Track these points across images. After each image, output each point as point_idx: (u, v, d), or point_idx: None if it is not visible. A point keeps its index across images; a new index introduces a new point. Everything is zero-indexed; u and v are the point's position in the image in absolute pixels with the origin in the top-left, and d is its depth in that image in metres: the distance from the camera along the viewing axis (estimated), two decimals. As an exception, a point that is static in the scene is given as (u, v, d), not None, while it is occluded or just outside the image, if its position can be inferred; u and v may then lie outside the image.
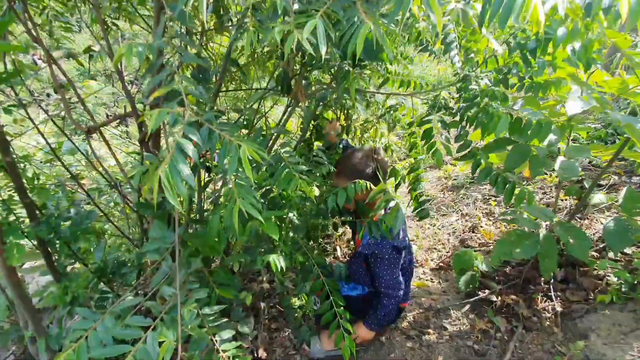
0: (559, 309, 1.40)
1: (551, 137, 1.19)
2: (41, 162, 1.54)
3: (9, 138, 0.97)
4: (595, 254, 1.57)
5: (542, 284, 1.53)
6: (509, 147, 1.29)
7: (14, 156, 1.01)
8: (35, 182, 1.08)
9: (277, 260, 1.03)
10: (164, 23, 0.87)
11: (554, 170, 1.31)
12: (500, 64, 1.22)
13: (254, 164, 1.08)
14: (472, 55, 1.19)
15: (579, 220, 1.89)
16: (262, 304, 1.76)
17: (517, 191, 1.19)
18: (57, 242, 1.14)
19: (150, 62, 0.77)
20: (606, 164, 1.37)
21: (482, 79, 1.23)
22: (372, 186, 1.19)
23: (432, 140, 1.31)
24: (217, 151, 0.73)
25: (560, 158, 1.25)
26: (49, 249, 1.16)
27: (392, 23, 0.67)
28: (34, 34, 0.84)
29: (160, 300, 0.93)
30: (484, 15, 0.71)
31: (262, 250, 1.20)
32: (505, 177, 1.24)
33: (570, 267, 1.55)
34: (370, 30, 0.59)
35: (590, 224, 1.84)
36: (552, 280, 1.51)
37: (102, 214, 1.42)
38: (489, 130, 1.02)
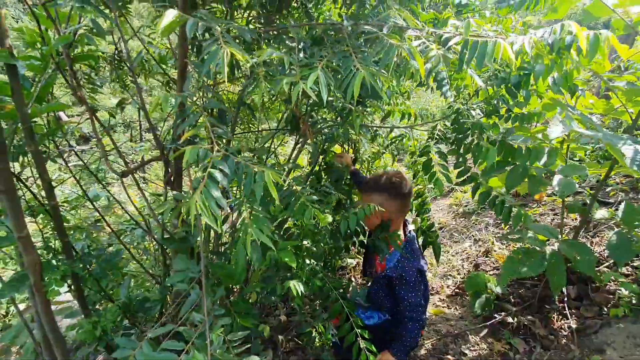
0: (574, 325, 1.39)
1: (545, 158, 1.27)
2: (71, 207, 1.67)
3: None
4: (606, 269, 1.58)
5: (557, 302, 1.53)
6: (508, 168, 1.37)
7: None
8: (72, 223, 1.19)
9: (297, 285, 1.10)
10: (189, 78, 1.02)
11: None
12: (490, 94, 1.34)
13: (268, 198, 1.18)
14: (463, 89, 1.31)
15: (589, 237, 1.90)
16: (280, 337, 1.77)
17: (514, 212, 1.26)
18: (89, 279, 1.23)
19: (179, 110, 0.90)
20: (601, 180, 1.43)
21: (474, 109, 1.34)
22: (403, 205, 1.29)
23: (432, 170, 1.40)
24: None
25: (558, 176, 1.32)
26: (81, 285, 1.25)
27: (385, 68, 0.79)
28: (79, 93, 0.99)
29: (190, 326, 0.99)
30: (462, 58, 0.83)
31: (280, 278, 1.26)
32: (503, 199, 1.32)
33: (583, 284, 1.56)
34: (364, 77, 0.70)
35: (600, 241, 1.86)
36: (565, 299, 1.52)
37: (127, 253, 1.52)
38: (481, 160, 1.12)
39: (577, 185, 1.25)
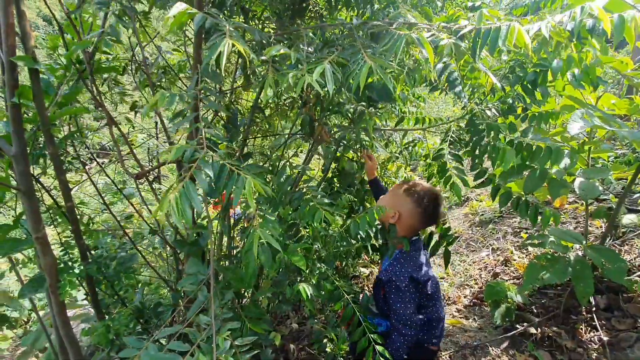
0: (605, 338, 1.30)
1: (567, 160, 1.22)
2: (91, 211, 1.70)
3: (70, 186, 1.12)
4: (638, 278, 1.49)
5: (585, 313, 1.45)
6: (526, 172, 1.32)
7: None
8: (89, 226, 1.21)
9: (306, 288, 1.08)
10: (197, 79, 1.03)
11: (575, 191, 1.31)
12: (505, 93, 1.30)
13: (271, 200, 1.17)
14: (477, 89, 1.28)
15: (617, 246, 1.80)
16: (292, 346, 1.74)
17: (541, 212, 1.20)
18: (103, 281, 1.24)
19: (180, 109, 0.91)
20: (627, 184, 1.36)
21: (489, 109, 1.31)
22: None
23: (448, 174, 1.35)
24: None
25: (579, 179, 1.26)
26: (96, 289, 1.26)
27: (393, 59, 0.77)
28: (99, 100, 1.02)
29: (196, 328, 0.97)
30: (475, 47, 0.81)
31: (290, 281, 1.24)
32: (527, 199, 1.26)
33: (613, 293, 1.47)
34: (371, 68, 0.69)
35: (630, 249, 1.76)
36: (594, 309, 1.43)
37: (142, 258, 1.53)
38: (498, 163, 1.07)
39: (601, 189, 1.18)
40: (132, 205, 1.36)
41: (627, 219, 1.46)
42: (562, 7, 1.62)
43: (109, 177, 1.36)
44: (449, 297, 2.07)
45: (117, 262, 1.27)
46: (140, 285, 1.57)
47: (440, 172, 1.37)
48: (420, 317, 1.27)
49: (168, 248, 1.62)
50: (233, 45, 0.76)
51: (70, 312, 1.76)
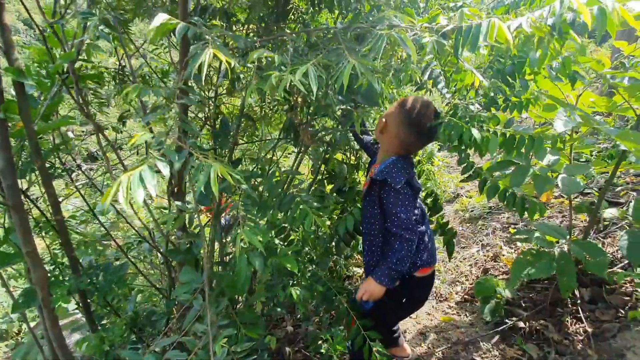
0: (590, 329, 1.35)
1: (550, 157, 1.26)
2: (77, 222, 1.69)
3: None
4: (620, 270, 1.54)
5: (570, 306, 1.49)
6: (512, 168, 1.35)
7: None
8: (78, 238, 1.20)
9: (298, 291, 1.09)
10: (180, 79, 1.03)
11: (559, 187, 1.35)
12: (486, 89, 1.33)
13: (264, 207, 1.18)
14: (461, 87, 1.31)
15: (600, 238, 1.86)
16: (287, 349, 1.75)
17: (527, 204, 1.24)
18: (95, 293, 1.23)
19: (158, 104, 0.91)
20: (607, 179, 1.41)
21: (472, 103, 1.34)
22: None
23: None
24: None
25: (562, 175, 1.30)
26: (88, 300, 1.25)
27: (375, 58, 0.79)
28: (85, 110, 1.02)
29: (192, 337, 0.98)
30: (457, 45, 0.83)
31: (283, 285, 1.26)
32: (514, 191, 1.29)
33: (597, 286, 1.52)
34: (354, 66, 0.71)
35: (613, 242, 1.81)
36: (579, 301, 1.47)
37: (133, 267, 1.52)
38: (483, 151, 1.10)
39: (583, 185, 1.22)
40: (120, 214, 1.35)
41: (609, 213, 1.51)
42: (541, 6, 1.66)
43: (98, 189, 1.35)
44: (440, 294, 2.11)
45: (108, 273, 1.27)
46: (133, 292, 1.56)
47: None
48: (414, 223, 1.15)
49: (159, 255, 1.62)
50: (215, 55, 0.77)
51: (61, 322, 1.75)
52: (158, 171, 0.67)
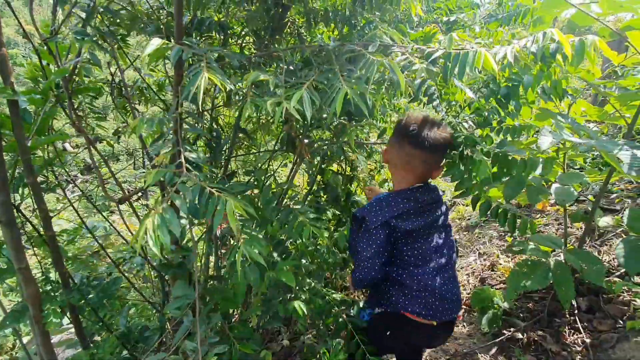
0: (588, 340, 1.34)
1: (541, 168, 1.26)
2: (70, 237, 1.67)
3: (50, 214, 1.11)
4: (617, 279, 1.53)
5: (568, 316, 1.48)
6: (505, 179, 1.36)
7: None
8: (70, 253, 1.19)
9: (302, 306, 1.08)
10: (177, 103, 1.04)
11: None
12: (481, 106, 1.34)
13: (261, 221, 1.18)
14: (454, 103, 1.32)
15: (597, 247, 1.86)
16: (284, 363, 1.73)
17: (519, 221, 1.24)
18: (86, 309, 1.22)
19: (160, 133, 0.91)
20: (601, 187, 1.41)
21: (466, 121, 1.35)
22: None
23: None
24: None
25: (555, 185, 1.30)
26: (79, 316, 1.24)
27: (368, 83, 0.80)
28: (78, 124, 1.02)
29: (182, 355, 0.97)
30: (446, 70, 0.85)
31: (282, 299, 1.24)
32: (505, 209, 1.30)
33: (594, 295, 1.51)
34: (347, 93, 0.72)
35: (609, 250, 1.81)
36: (577, 311, 1.46)
37: (126, 281, 1.51)
38: (474, 175, 1.11)
39: (576, 194, 1.23)
40: (114, 227, 1.35)
41: (604, 221, 1.51)
42: (532, 19, 1.69)
43: (91, 202, 1.34)
44: (438, 304, 2.09)
45: (100, 288, 1.25)
46: (126, 305, 1.54)
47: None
48: (384, 267, 1.08)
49: (153, 269, 1.60)
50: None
51: (55, 338, 1.72)
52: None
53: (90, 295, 1.21)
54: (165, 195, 0.73)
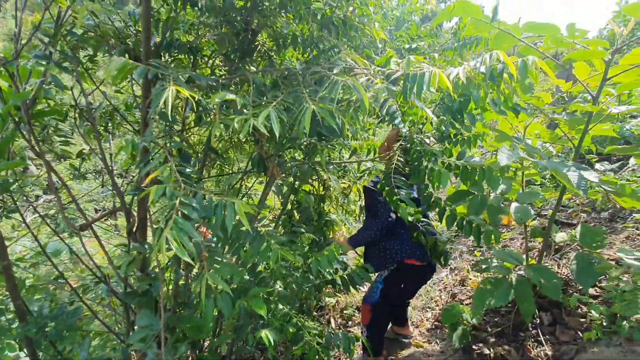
0: (550, 353, 1.39)
1: (502, 186, 1.33)
2: (27, 265, 1.57)
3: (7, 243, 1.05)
4: (576, 293, 1.62)
5: (531, 329, 1.54)
6: (469, 198, 1.42)
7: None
8: (29, 281, 1.13)
9: (269, 335, 1.06)
10: (151, 123, 1.03)
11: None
12: (438, 122, 1.41)
13: (238, 242, 1.17)
14: (416, 121, 1.38)
15: (556, 260, 1.96)
16: (257, 389, 1.68)
17: (484, 232, 1.30)
18: (44, 342, 1.15)
19: (143, 154, 0.91)
20: (555, 204, 1.50)
21: (428, 137, 1.41)
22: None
23: (395, 198, 1.42)
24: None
25: (514, 204, 1.38)
26: (36, 350, 1.16)
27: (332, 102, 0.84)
28: (37, 149, 0.98)
29: (147, 389, 0.93)
30: (406, 89, 0.90)
31: (252, 326, 1.22)
32: (471, 220, 1.35)
33: (556, 308, 1.58)
34: (314, 110, 0.75)
35: (567, 263, 1.91)
36: (540, 325, 1.52)
37: (88, 311, 1.43)
38: (437, 184, 1.16)
39: (533, 213, 1.30)
40: (76, 255, 1.29)
41: (559, 237, 1.60)
42: (486, 48, 1.81)
43: (51, 227, 1.28)
44: (412, 321, 2.11)
45: (60, 319, 1.19)
46: (86, 339, 1.46)
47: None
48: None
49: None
50: (178, 91, 0.79)
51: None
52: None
53: (49, 327, 1.15)
54: (172, 209, 0.75)
